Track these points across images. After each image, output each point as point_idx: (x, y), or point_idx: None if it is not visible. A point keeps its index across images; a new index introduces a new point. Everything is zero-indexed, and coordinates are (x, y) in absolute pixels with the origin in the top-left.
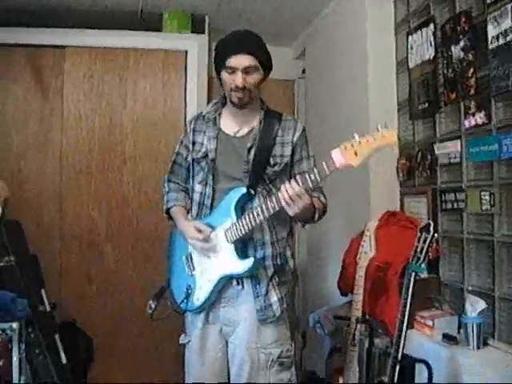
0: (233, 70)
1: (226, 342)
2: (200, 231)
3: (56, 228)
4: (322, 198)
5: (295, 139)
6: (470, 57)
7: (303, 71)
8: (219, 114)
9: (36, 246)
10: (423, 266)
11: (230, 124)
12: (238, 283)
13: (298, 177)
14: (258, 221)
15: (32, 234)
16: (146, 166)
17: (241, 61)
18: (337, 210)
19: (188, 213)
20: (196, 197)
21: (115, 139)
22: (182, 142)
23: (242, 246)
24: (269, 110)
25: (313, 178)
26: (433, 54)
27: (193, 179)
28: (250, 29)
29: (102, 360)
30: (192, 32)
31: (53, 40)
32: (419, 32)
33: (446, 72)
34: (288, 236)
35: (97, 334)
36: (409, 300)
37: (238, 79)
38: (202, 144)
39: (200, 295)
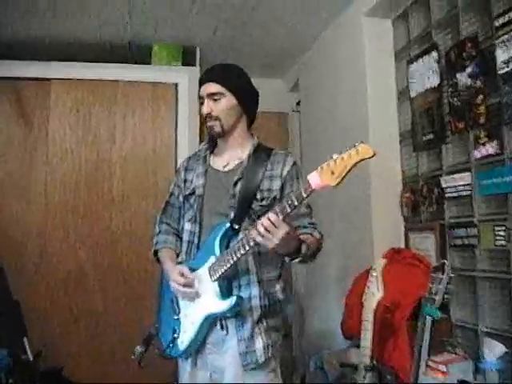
0: (202, 101)
1: None
2: (182, 275)
3: (40, 270)
4: (316, 234)
5: (284, 173)
6: (479, 83)
7: (297, 103)
8: (211, 152)
9: (19, 290)
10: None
11: (219, 160)
12: (222, 328)
13: (275, 206)
14: (239, 255)
15: (14, 277)
16: (135, 204)
17: (206, 88)
18: (337, 246)
19: (178, 256)
20: (186, 236)
21: (103, 175)
22: (175, 183)
23: (227, 286)
24: (260, 144)
25: (290, 203)
26: (437, 82)
27: (183, 218)
28: (241, 60)
29: None
30: (183, 64)
31: (37, 73)
32: (421, 60)
33: (451, 100)
34: (279, 277)
35: (85, 382)
36: (425, 347)
37: (204, 107)
38: (192, 181)
39: (184, 339)
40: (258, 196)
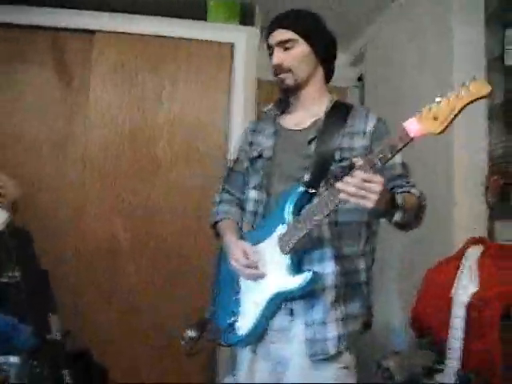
0: (272, 51)
1: None
2: (245, 254)
3: (72, 241)
4: (414, 191)
5: (369, 129)
6: None
7: (358, 79)
8: (282, 111)
9: (47, 261)
10: None
11: (292, 117)
12: (288, 313)
13: (363, 160)
14: (315, 222)
15: (43, 247)
16: (181, 175)
17: (276, 36)
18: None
19: (241, 229)
20: (250, 205)
21: (147, 141)
22: (239, 147)
23: (298, 259)
24: (338, 101)
25: (381, 156)
26: None
27: (248, 186)
28: None
29: None
30: (240, 24)
31: (81, 23)
32: None
33: None
34: (362, 254)
35: (114, 367)
36: None
37: (273, 57)
38: (259, 143)
39: (245, 323)
40: (338, 156)
